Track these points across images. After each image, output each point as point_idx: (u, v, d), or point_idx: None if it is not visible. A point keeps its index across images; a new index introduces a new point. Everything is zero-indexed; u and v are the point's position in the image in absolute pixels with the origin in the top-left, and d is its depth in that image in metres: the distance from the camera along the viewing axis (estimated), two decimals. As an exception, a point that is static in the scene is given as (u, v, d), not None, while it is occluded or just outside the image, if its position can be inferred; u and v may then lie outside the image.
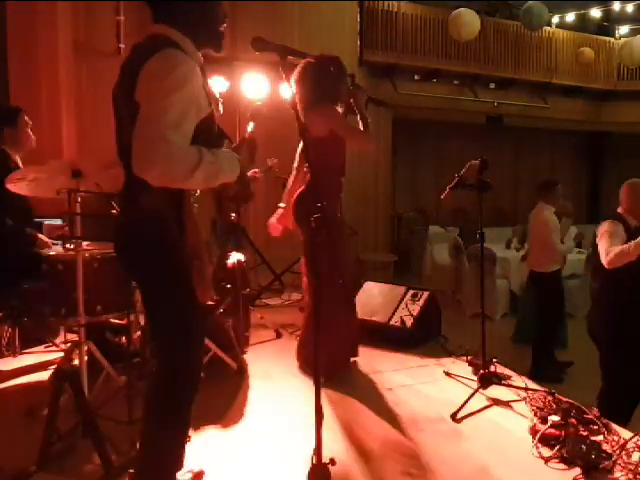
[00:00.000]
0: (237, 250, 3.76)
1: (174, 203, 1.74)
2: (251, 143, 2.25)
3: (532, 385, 3.35)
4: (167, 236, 1.75)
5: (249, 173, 2.59)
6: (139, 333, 3.60)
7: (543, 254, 5.18)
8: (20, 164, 3.45)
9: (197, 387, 1.93)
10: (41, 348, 3.93)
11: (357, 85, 3.53)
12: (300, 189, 3.41)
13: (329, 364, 3.20)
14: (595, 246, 3.59)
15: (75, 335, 3.25)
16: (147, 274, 1.87)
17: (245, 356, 3.60)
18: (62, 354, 3.26)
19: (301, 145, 3.45)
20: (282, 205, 3.54)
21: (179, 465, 1.97)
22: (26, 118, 3.53)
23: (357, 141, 3.42)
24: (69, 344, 3.09)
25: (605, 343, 3.64)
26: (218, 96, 1.96)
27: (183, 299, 1.81)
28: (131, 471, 1.93)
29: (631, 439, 2.54)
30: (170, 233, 1.75)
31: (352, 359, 3.65)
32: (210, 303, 1.88)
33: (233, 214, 2.07)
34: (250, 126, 3.32)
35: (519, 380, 3.43)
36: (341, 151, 3.37)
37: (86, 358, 2.80)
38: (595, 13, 10.34)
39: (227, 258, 1.92)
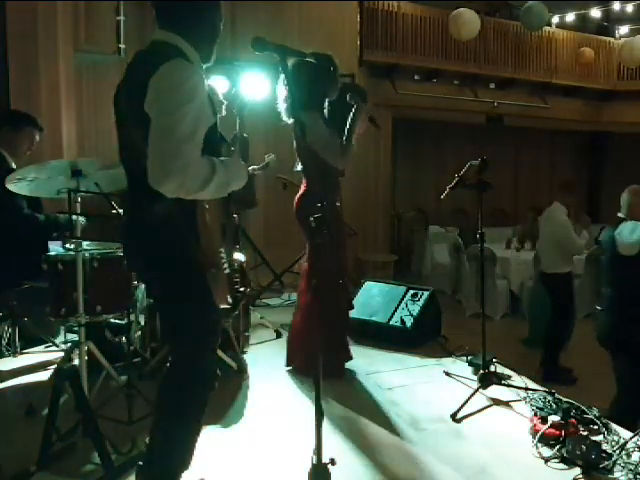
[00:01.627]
0: (237, 250, 3.76)
1: (187, 210, 1.75)
2: (242, 141, 2.26)
3: (532, 385, 3.35)
4: (182, 242, 1.76)
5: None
6: (139, 333, 3.61)
7: (556, 255, 5.14)
8: (13, 165, 3.43)
9: (211, 387, 1.95)
10: (41, 348, 3.93)
11: (361, 93, 3.41)
12: (301, 192, 3.41)
13: (329, 363, 3.19)
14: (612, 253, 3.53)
15: (75, 335, 3.25)
16: (164, 278, 1.88)
17: (245, 356, 3.60)
18: (62, 354, 3.26)
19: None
20: None
21: (187, 464, 1.98)
22: (35, 135, 3.50)
23: (332, 160, 3.26)
24: (69, 344, 3.09)
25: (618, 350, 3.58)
26: (221, 98, 1.97)
27: (201, 304, 1.82)
28: (140, 463, 1.95)
29: (631, 439, 2.54)
30: (185, 239, 1.76)
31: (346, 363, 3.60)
32: (226, 307, 1.90)
33: (235, 215, 2.09)
34: (237, 124, 3.30)
35: (519, 380, 3.44)
36: None
37: (86, 358, 2.80)
38: (595, 13, 10.32)
39: (234, 260, 1.92)
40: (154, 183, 1.64)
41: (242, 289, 1.96)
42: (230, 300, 1.89)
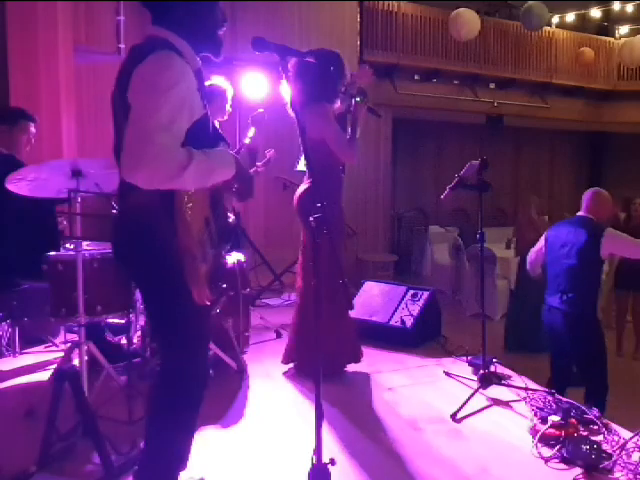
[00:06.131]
0: (237, 250, 3.76)
1: (165, 202, 1.73)
2: (252, 149, 2.26)
3: (532, 385, 3.35)
4: (158, 235, 1.74)
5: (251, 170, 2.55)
6: (139, 333, 3.61)
7: None
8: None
9: (203, 386, 1.94)
10: (41, 348, 3.93)
11: (362, 92, 3.43)
12: (304, 187, 3.40)
13: (328, 364, 3.18)
14: None
15: (75, 335, 3.25)
16: (142, 274, 1.88)
17: (245, 356, 3.60)
18: (62, 354, 3.26)
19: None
20: None
21: (182, 465, 1.98)
22: (31, 127, 3.51)
23: (341, 153, 3.31)
24: (69, 344, 3.09)
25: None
26: (229, 103, 1.95)
27: (179, 298, 1.80)
28: (135, 468, 1.95)
29: (631, 439, 2.54)
30: (161, 232, 1.74)
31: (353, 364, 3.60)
32: (206, 303, 1.86)
33: (231, 216, 2.05)
34: (251, 132, 3.32)
35: (519, 380, 3.44)
36: (330, 150, 3.34)
37: (86, 358, 2.80)
38: (595, 13, 10.34)
39: (224, 258, 1.88)
40: (125, 172, 1.62)
41: (224, 286, 1.90)
42: (209, 296, 1.83)
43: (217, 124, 3.94)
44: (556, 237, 3.84)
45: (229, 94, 3.74)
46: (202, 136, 1.78)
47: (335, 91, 3.31)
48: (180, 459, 1.96)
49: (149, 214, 1.75)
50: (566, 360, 3.84)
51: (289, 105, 3.31)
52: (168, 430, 1.90)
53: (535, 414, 2.87)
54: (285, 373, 3.54)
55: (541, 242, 3.98)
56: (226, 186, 1.88)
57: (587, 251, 3.64)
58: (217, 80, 3.68)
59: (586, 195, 3.85)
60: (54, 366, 3.21)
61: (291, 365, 3.57)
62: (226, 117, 3.80)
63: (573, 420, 2.73)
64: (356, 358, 3.56)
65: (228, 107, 3.77)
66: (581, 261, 3.65)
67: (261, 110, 3.35)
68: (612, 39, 11.21)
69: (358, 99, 3.34)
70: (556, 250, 3.81)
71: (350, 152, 3.31)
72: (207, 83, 3.87)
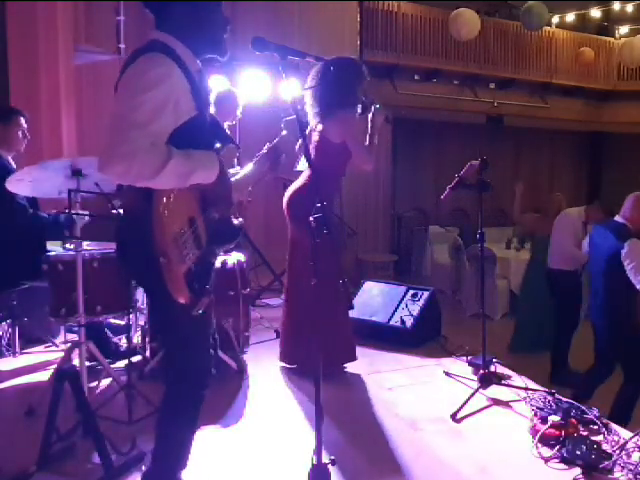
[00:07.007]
0: (237, 250, 3.75)
1: (146, 201, 1.72)
2: (276, 152, 2.27)
3: (532, 385, 3.35)
4: (142, 235, 1.73)
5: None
6: (139, 333, 3.61)
7: (564, 251, 5.11)
8: (13, 164, 3.44)
9: (204, 385, 1.94)
10: (41, 348, 3.93)
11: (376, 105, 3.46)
12: (297, 187, 3.41)
13: (327, 364, 3.18)
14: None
15: (75, 335, 3.26)
16: (135, 273, 1.91)
17: (245, 356, 3.60)
18: (62, 354, 3.26)
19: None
20: None
21: (183, 464, 1.98)
22: (22, 121, 3.51)
23: (360, 159, 3.34)
24: (69, 344, 3.09)
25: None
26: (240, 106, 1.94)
27: (165, 299, 1.76)
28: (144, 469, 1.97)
29: (631, 439, 2.54)
30: (143, 232, 1.72)
31: (349, 363, 3.59)
32: (187, 303, 1.82)
33: (237, 218, 2.04)
34: (282, 134, 3.36)
35: (519, 380, 3.44)
36: (347, 154, 3.36)
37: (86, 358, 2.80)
38: (595, 13, 10.33)
39: (214, 258, 1.85)
40: (100, 167, 1.64)
41: (207, 287, 1.87)
42: (189, 296, 1.80)
43: (226, 126, 4.02)
44: (593, 237, 3.89)
45: (240, 99, 3.90)
46: (190, 137, 1.76)
47: (355, 96, 3.31)
48: (179, 458, 1.97)
49: (134, 214, 1.77)
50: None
51: (308, 106, 3.33)
52: (167, 428, 1.92)
53: (535, 414, 2.87)
54: (285, 373, 3.54)
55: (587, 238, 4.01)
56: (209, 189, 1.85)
57: (612, 258, 3.62)
58: (221, 81, 3.75)
59: (627, 199, 3.78)
60: (54, 366, 3.21)
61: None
62: (235, 122, 3.96)
63: (573, 420, 2.73)
64: (352, 357, 3.57)
65: (239, 112, 3.94)
66: (607, 267, 3.65)
67: (292, 117, 3.41)
68: (612, 39, 11.21)
69: (378, 106, 3.35)
70: (592, 251, 3.88)
71: (369, 158, 3.34)
72: (221, 90, 3.95)
